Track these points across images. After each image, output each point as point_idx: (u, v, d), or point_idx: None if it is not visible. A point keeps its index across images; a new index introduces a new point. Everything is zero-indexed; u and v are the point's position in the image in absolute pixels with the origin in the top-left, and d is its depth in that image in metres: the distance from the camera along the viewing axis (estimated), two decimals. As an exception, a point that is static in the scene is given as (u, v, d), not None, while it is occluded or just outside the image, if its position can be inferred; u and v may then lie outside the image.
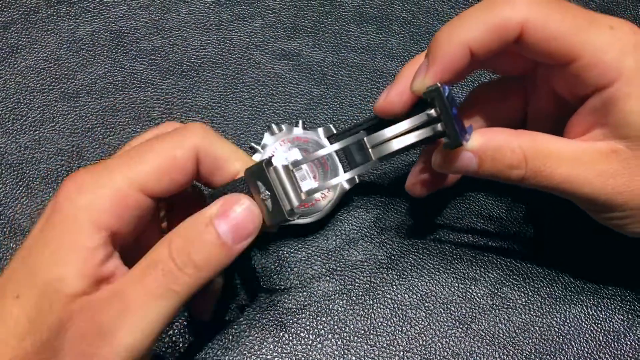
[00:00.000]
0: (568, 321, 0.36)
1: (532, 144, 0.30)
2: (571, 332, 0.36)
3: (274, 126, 0.40)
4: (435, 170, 0.31)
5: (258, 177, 0.28)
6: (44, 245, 0.27)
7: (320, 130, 0.39)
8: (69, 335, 0.26)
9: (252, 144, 0.39)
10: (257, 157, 0.38)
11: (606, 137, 0.30)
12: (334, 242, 0.38)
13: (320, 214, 0.37)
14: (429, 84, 0.30)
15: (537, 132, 0.30)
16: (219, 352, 0.34)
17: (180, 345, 0.34)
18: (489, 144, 0.30)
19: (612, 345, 0.36)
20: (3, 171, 0.40)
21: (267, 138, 0.39)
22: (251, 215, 0.28)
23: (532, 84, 0.34)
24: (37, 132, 0.42)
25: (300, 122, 0.40)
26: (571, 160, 0.30)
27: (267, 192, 0.28)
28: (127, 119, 0.42)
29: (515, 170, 0.30)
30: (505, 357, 0.35)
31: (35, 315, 0.26)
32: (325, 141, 0.38)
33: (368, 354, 0.35)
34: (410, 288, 0.37)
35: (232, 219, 0.27)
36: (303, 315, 0.36)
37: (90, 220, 0.27)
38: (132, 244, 0.29)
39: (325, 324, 0.35)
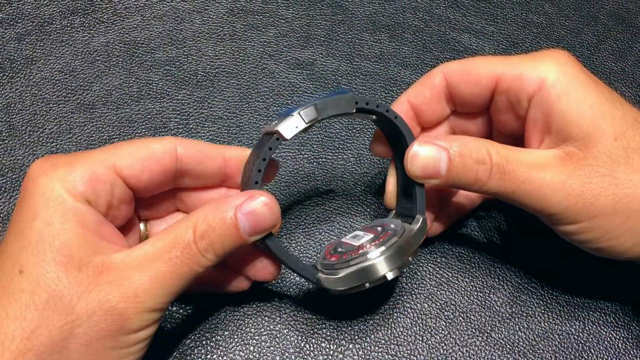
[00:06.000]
0: (587, 328, 0.36)
1: (494, 146, 0.32)
2: (590, 339, 0.36)
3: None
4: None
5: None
6: (32, 218, 0.27)
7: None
8: (93, 295, 0.27)
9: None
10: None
11: (556, 144, 0.32)
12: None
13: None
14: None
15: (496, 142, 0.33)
16: (240, 363, 0.35)
17: (202, 358, 0.35)
18: (456, 140, 0.32)
19: (632, 352, 0.36)
20: (21, 184, 0.40)
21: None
22: (271, 211, 0.29)
23: (492, 113, 0.36)
24: (54, 143, 0.42)
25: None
26: (530, 163, 0.31)
27: None
28: (143, 130, 0.43)
29: (482, 165, 0.31)
30: (525, 365, 0.35)
31: (52, 285, 0.26)
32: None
33: (389, 364, 0.35)
34: (430, 297, 0.37)
35: (253, 214, 0.29)
36: (324, 325, 0.36)
37: (66, 189, 0.28)
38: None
39: (346, 334, 0.36)
